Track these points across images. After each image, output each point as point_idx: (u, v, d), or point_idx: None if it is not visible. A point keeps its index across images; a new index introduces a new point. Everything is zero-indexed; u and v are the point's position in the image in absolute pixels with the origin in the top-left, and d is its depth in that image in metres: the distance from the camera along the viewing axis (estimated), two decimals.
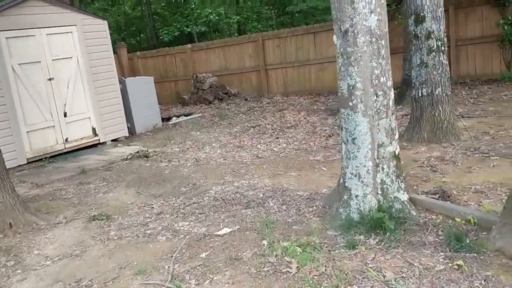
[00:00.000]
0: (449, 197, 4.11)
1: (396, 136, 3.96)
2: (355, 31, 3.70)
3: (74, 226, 4.80)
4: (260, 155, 6.81)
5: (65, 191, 6.19)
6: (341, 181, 4.08)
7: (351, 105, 3.83)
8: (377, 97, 3.81)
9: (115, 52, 14.90)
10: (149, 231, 4.41)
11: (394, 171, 3.93)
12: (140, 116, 10.11)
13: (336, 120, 7.96)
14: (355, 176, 3.90)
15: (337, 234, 3.78)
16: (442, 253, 3.21)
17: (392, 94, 3.90)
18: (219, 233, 4.13)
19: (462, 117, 7.32)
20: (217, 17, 16.69)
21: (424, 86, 6.17)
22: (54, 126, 8.39)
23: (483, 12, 10.50)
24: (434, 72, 6.11)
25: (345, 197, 3.97)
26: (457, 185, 4.54)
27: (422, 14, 6.05)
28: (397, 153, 3.97)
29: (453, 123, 6.25)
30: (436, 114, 6.17)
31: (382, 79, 3.80)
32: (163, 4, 22.18)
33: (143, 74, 14.34)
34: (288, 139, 7.54)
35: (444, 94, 6.16)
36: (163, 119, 10.99)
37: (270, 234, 3.90)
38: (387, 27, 3.82)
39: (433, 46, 6.08)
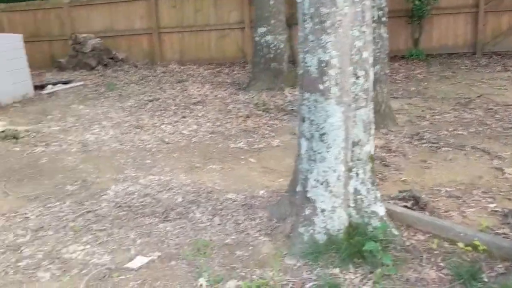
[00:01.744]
0: (425, 205, 3.32)
1: (373, 131, 3.04)
2: None
3: None
4: (167, 140, 5.51)
5: None
6: (300, 189, 3.04)
7: (321, 88, 2.78)
8: (357, 78, 2.82)
9: None
10: (23, 263, 3.01)
11: (370, 177, 3.01)
12: (4, 82, 8.04)
13: (253, 97, 6.90)
14: (322, 184, 2.89)
15: (301, 264, 2.77)
16: None
17: (372, 75, 2.94)
18: (132, 265, 2.88)
19: None
20: None
21: None
22: None
23: None
24: (373, 47, 5.30)
25: (307, 211, 2.95)
26: (421, 186, 3.79)
27: None
28: (373, 154, 3.05)
29: (390, 106, 5.58)
30: (374, 96, 5.39)
31: (364, 55, 2.81)
32: None
33: (8, 31, 11.77)
34: (198, 119, 6.31)
35: (382, 73, 5.40)
36: (35, 87, 8.96)
37: (207, 267, 2.78)
38: None
39: (373, 17, 5.25)
